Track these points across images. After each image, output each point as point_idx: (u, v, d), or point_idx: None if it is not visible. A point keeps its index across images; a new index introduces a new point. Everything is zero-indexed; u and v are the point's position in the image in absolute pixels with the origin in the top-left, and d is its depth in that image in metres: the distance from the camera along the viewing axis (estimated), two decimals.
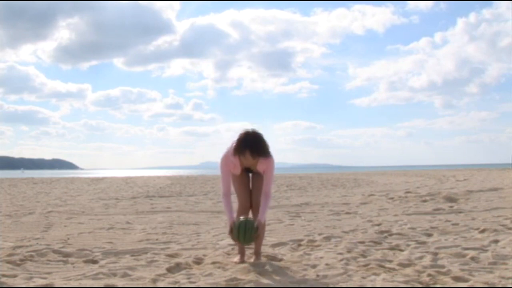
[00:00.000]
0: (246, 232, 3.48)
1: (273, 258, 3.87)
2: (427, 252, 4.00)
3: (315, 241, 4.73)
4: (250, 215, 3.85)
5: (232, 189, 3.87)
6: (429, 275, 3.19)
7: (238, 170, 3.70)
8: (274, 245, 4.50)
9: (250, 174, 3.90)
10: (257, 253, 3.92)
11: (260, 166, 3.63)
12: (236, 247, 4.05)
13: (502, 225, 5.42)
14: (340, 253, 3.99)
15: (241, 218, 3.61)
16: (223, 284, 3.05)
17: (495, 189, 11.23)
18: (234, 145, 3.53)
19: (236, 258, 3.87)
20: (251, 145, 3.42)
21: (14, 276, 3.32)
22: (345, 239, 4.74)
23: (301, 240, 4.77)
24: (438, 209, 7.39)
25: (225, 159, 3.65)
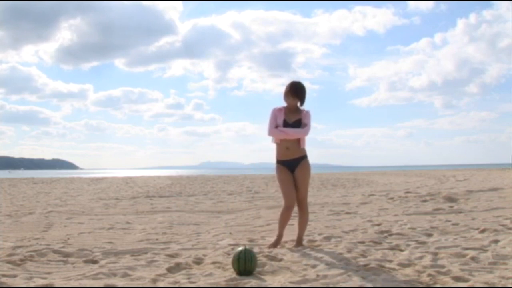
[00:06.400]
0: (246, 263, 3.31)
1: (273, 258, 3.86)
2: (427, 252, 4.00)
3: (315, 241, 4.74)
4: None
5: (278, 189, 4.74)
6: (429, 275, 3.19)
7: (281, 118, 4.42)
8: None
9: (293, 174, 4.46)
10: (300, 239, 4.52)
11: (304, 118, 4.42)
12: (276, 231, 4.57)
13: (502, 225, 5.42)
14: (340, 253, 3.99)
15: (240, 248, 3.44)
16: (223, 284, 3.05)
17: (495, 189, 11.21)
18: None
19: (273, 241, 4.49)
20: (296, 87, 4.42)
21: (14, 276, 3.32)
22: (345, 239, 4.74)
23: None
24: (438, 209, 7.39)
25: (273, 109, 4.52)
